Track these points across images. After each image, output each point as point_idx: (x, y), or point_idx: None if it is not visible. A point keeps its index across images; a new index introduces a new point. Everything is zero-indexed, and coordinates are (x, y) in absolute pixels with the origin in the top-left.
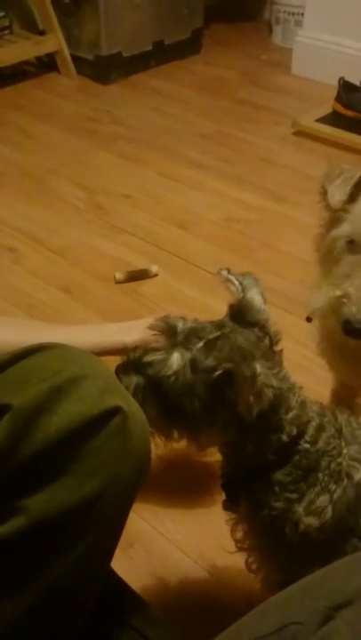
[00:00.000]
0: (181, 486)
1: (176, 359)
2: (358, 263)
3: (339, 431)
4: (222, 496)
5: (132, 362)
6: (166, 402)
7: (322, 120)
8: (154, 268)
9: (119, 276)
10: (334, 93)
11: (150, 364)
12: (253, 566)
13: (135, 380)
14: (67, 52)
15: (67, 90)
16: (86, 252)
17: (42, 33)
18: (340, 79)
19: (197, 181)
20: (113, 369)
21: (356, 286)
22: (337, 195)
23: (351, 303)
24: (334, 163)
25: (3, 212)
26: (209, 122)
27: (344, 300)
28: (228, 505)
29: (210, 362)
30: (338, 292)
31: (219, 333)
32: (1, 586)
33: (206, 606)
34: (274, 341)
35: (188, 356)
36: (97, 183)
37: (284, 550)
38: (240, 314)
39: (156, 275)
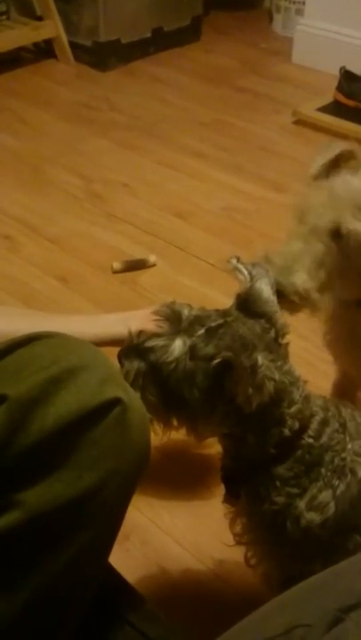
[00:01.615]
0: (178, 478)
1: (178, 346)
2: (295, 232)
3: (343, 426)
4: (220, 488)
5: (135, 346)
6: (166, 389)
7: (323, 109)
8: (152, 258)
9: (117, 265)
10: (335, 83)
11: (152, 349)
12: (253, 561)
13: (137, 364)
14: (64, 39)
15: (64, 76)
16: (83, 241)
17: (39, 19)
18: (341, 68)
19: (196, 170)
20: (111, 360)
21: (279, 252)
22: (315, 165)
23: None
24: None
25: None
26: (208, 110)
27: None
28: (228, 498)
29: (209, 349)
30: (261, 254)
31: (221, 321)
32: None
33: (203, 599)
34: (280, 334)
35: (189, 342)
36: (94, 171)
37: (284, 546)
38: (247, 304)
39: (153, 265)
